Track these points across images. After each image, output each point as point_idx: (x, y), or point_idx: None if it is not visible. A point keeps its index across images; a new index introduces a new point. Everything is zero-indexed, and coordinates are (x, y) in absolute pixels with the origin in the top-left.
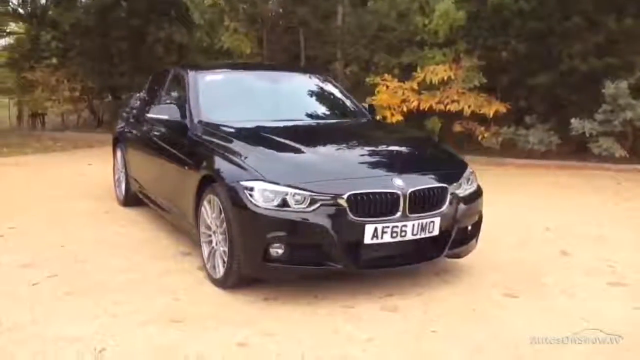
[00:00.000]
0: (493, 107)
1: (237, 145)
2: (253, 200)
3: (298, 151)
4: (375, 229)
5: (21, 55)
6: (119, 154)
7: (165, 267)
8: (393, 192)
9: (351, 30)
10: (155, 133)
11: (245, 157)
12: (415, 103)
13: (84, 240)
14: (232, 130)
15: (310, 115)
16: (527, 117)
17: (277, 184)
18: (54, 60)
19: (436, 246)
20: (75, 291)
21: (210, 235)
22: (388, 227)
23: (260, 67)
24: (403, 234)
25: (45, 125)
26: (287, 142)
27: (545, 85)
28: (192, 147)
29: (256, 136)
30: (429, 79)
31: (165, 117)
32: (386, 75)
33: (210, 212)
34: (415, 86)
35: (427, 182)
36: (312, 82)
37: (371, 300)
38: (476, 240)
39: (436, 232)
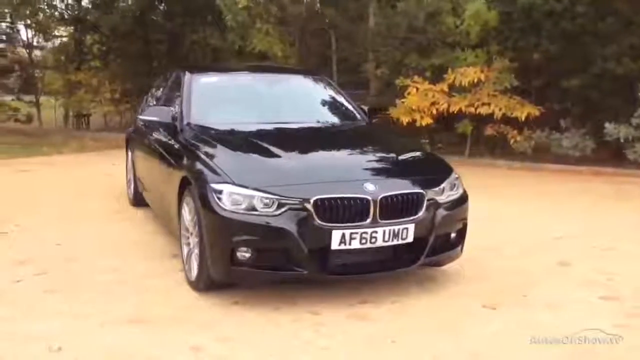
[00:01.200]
0: (525, 110)
1: (216, 148)
2: (220, 203)
3: (274, 155)
4: (343, 235)
5: (67, 57)
6: (129, 155)
7: (151, 268)
8: (363, 198)
9: (381, 31)
10: (152, 135)
11: (220, 160)
12: (444, 105)
13: (83, 239)
14: (217, 133)
15: (302, 118)
16: (561, 121)
17: (246, 187)
18: (97, 63)
19: (412, 254)
20: (56, 289)
21: (188, 237)
22: (357, 233)
23: (260, 69)
24: (373, 240)
25: (90, 125)
26: (266, 145)
27: (578, 88)
28: (177, 149)
29: (238, 140)
30: (458, 81)
31: (156, 118)
32: (416, 77)
33: (187, 214)
34: (445, 88)
35: (402, 187)
36: (310, 85)
37: (341, 308)
38: (461, 248)
39: (410, 239)
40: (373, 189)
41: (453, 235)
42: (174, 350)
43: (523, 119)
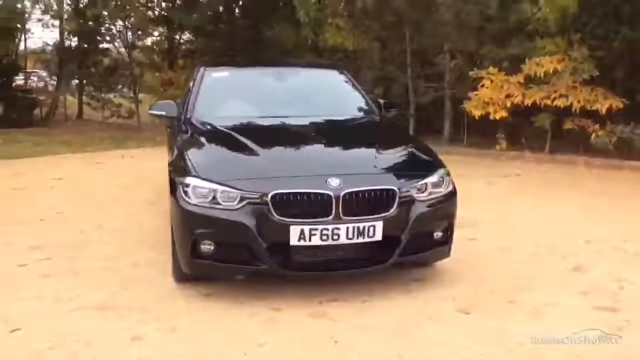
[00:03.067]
0: (607, 103)
1: (196, 144)
2: (185, 196)
3: (249, 150)
4: (302, 231)
5: (159, 56)
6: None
7: (148, 258)
8: (324, 193)
9: (452, 21)
10: (168, 130)
11: (193, 155)
12: (519, 98)
13: (106, 228)
14: (208, 129)
15: (308, 113)
16: None
17: (210, 181)
18: (185, 62)
19: (383, 252)
20: (50, 275)
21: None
22: (317, 229)
23: (280, 64)
24: (335, 237)
25: None
26: (246, 141)
27: None
28: (175, 144)
29: (221, 135)
30: (532, 72)
31: (163, 113)
32: (491, 68)
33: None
34: (521, 80)
35: (371, 183)
36: (325, 79)
37: (307, 305)
38: (448, 248)
39: (378, 237)
40: (336, 185)
41: (438, 234)
42: (116, 338)
43: (604, 111)
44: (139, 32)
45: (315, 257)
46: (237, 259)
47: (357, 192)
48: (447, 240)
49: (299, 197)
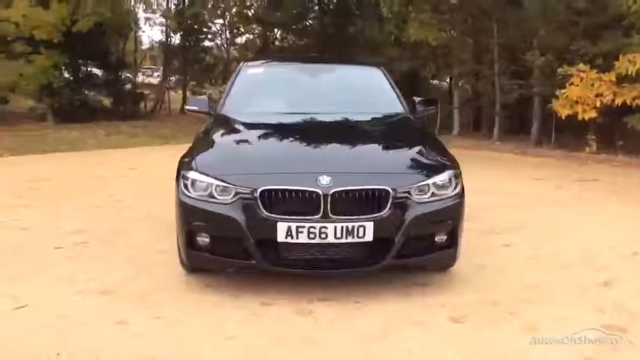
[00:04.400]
0: None
1: (210, 138)
2: (185, 190)
3: (254, 146)
4: (289, 228)
5: (253, 53)
6: None
7: (173, 247)
8: (312, 191)
9: (539, 15)
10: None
11: (199, 150)
12: (609, 97)
13: (152, 216)
14: (228, 123)
15: (334, 110)
16: None
17: (207, 175)
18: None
19: (375, 254)
20: (76, 257)
21: None
22: (304, 227)
23: (316, 60)
24: (323, 236)
25: None
26: (255, 137)
27: None
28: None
29: (236, 130)
30: (624, 69)
31: (196, 108)
32: (581, 65)
33: None
34: (612, 78)
35: (363, 183)
36: (358, 76)
37: (295, 302)
38: (454, 252)
39: (369, 238)
40: (326, 183)
41: (441, 237)
42: (102, 322)
43: None
44: (235, 31)
45: (306, 255)
46: (229, 253)
47: (347, 191)
48: (451, 244)
49: (287, 194)
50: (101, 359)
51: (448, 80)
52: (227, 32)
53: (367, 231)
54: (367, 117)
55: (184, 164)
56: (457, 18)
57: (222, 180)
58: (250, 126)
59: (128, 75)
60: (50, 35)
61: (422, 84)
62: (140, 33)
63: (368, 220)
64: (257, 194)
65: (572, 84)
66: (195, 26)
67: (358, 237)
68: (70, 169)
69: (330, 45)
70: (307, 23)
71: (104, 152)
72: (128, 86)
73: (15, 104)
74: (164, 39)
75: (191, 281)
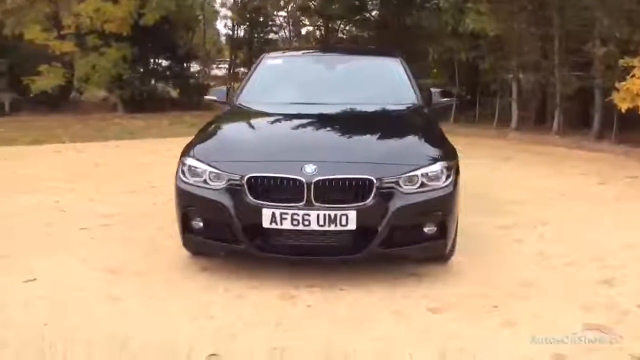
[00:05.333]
0: None
1: (215, 126)
2: (181, 175)
3: (251, 134)
4: (274, 214)
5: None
6: None
7: None
8: (296, 179)
9: (601, 4)
10: None
11: (202, 137)
12: None
13: None
14: (237, 113)
15: (346, 101)
16: None
17: (202, 161)
18: None
19: (358, 242)
20: (98, 238)
21: None
22: (287, 213)
23: (335, 50)
24: (306, 223)
25: None
26: (255, 125)
27: None
28: None
29: (241, 119)
30: None
31: (215, 98)
32: None
33: None
34: None
35: (348, 172)
36: (374, 67)
37: (282, 287)
38: (444, 244)
39: (352, 226)
40: (311, 171)
41: (431, 229)
42: (97, 297)
43: None
44: (300, 22)
45: (292, 241)
46: (220, 237)
47: (330, 180)
48: (441, 235)
49: (272, 181)
50: (83, 331)
51: (508, 71)
52: (291, 24)
53: (350, 220)
54: (375, 108)
55: (184, 151)
56: (515, 7)
57: (215, 167)
58: (254, 116)
59: (195, 66)
60: (119, 29)
61: (483, 75)
62: (209, 26)
63: (351, 209)
64: (245, 181)
65: (633, 75)
66: (260, 19)
67: (341, 225)
68: (122, 156)
69: (389, 36)
70: (366, 15)
71: (160, 140)
72: (194, 78)
73: (90, 94)
74: (230, 32)
75: (191, 264)
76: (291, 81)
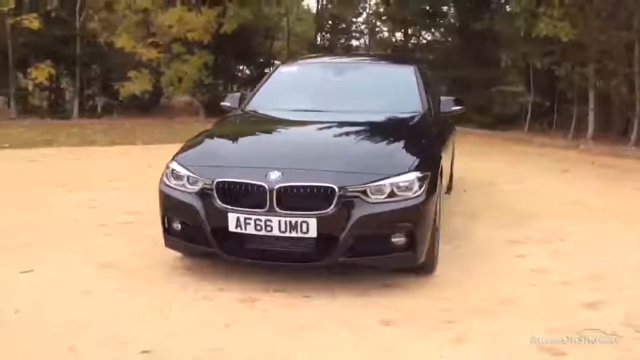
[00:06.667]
0: None
1: (210, 132)
2: (165, 178)
3: (236, 140)
4: (238, 219)
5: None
6: None
7: None
8: (259, 185)
9: None
10: None
11: (191, 141)
12: None
13: None
14: (237, 119)
15: (352, 109)
16: None
17: (182, 166)
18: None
19: (320, 250)
20: (112, 235)
21: None
22: (251, 218)
23: (348, 59)
24: (268, 228)
25: None
26: (244, 132)
27: None
28: None
29: (236, 125)
30: None
31: (229, 104)
32: None
33: None
34: None
35: (310, 179)
36: (386, 74)
37: (249, 290)
38: (415, 255)
39: (313, 234)
40: (275, 178)
41: (399, 239)
42: (74, 289)
43: None
44: (377, 29)
45: (259, 245)
46: (194, 239)
47: (292, 187)
48: (410, 247)
49: (238, 187)
50: (46, 319)
51: (585, 78)
52: (368, 30)
53: (311, 227)
54: (371, 117)
55: (173, 156)
56: (589, 12)
57: (191, 172)
58: (247, 122)
59: None
60: (201, 37)
61: (559, 81)
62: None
63: (312, 216)
64: (214, 185)
65: None
66: (343, 25)
67: (302, 232)
68: None
69: (464, 41)
70: (440, 20)
71: None
72: None
73: (177, 98)
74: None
75: (178, 264)
76: (299, 89)
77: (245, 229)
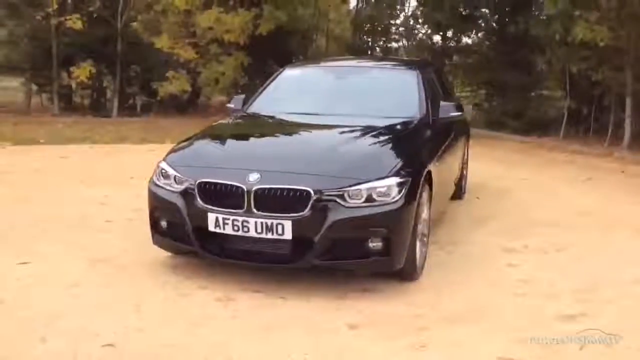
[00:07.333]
0: None
1: (204, 133)
2: (155, 177)
3: (226, 142)
4: (217, 219)
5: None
6: None
7: None
8: (238, 186)
9: None
10: None
11: (183, 142)
12: None
13: None
14: (233, 120)
15: (349, 113)
16: None
17: (170, 166)
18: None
19: (295, 252)
20: (114, 230)
21: None
22: (229, 219)
23: (352, 63)
24: (245, 229)
25: None
26: (238, 134)
27: None
28: None
29: (231, 127)
30: None
31: (232, 105)
32: None
33: None
34: None
35: (287, 182)
36: (387, 80)
37: (227, 290)
38: (391, 260)
39: (287, 236)
40: (253, 180)
41: (376, 244)
42: (61, 283)
43: None
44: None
45: (238, 245)
46: (178, 238)
47: (269, 189)
48: (387, 252)
49: (218, 187)
50: (25, 308)
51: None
52: (405, 33)
53: (286, 229)
54: (367, 121)
55: (165, 155)
56: (624, 15)
57: (177, 171)
58: (241, 125)
59: None
60: (237, 38)
61: (596, 87)
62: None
63: (287, 218)
64: (195, 185)
65: None
66: (380, 27)
67: (277, 234)
68: None
69: (500, 45)
70: (476, 23)
71: None
72: None
73: (214, 98)
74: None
75: (168, 261)
76: (300, 92)
77: (224, 229)
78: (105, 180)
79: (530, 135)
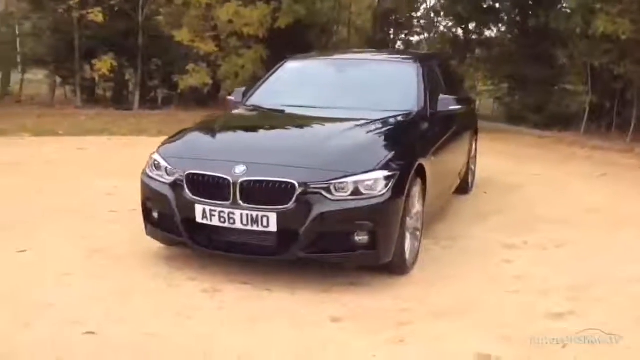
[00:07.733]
0: None
1: (199, 125)
2: (147, 169)
3: (218, 134)
4: (204, 210)
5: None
6: None
7: None
8: (224, 178)
9: None
10: None
11: (177, 134)
12: None
13: None
14: (232, 114)
15: (346, 105)
16: None
17: (162, 157)
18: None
19: (281, 245)
20: (117, 221)
21: None
22: (215, 210)
23: (352, 56)
24: (231, 221)
25: None
26: (232, 126)
27: None
28: None
29: (227, 119)
30: None
31: (233, 98)
32: None
33: None
34: None
35: (272, 175)
36: (386, 72)
37: (215, 281)
38: (378, 253)
39: (273, 228)
40: (240, 172)
41: (362, 238)
42: (54, 272)
43: None
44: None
45: (226, 237)
46: (169, 229)
47: (254, 181)
48: (373, 245)
49: (205, 179)
50: (15, 296)
51: None
52: (425, 26)
53: (271, 222)
54: (362, 114)
55: (158, 147)
56: None
57: (168, 163)
58: (237, 117)
59: None
60: (256, 32)
61: (618, 81)
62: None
63: (272, 211)
64: (184, 177)
65: None
66: (401, 20)
67: (263, 226)
68: None
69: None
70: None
71: None
72: None
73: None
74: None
75: (162, 252)
76: (299, 85)
77: (211, 220)
78: (117, 172)
79: (551, 129)
